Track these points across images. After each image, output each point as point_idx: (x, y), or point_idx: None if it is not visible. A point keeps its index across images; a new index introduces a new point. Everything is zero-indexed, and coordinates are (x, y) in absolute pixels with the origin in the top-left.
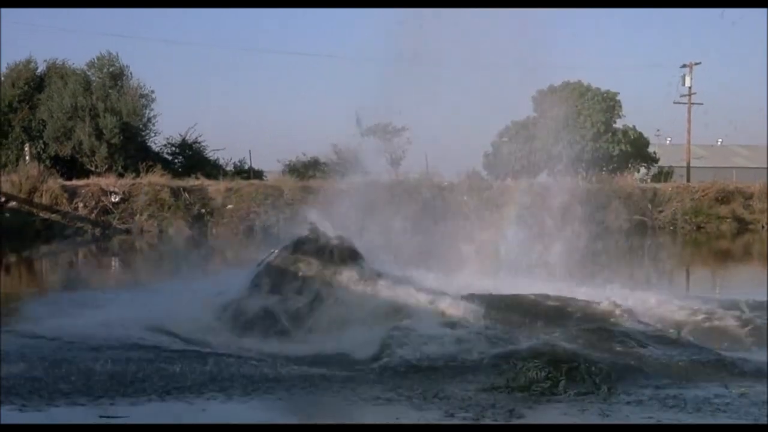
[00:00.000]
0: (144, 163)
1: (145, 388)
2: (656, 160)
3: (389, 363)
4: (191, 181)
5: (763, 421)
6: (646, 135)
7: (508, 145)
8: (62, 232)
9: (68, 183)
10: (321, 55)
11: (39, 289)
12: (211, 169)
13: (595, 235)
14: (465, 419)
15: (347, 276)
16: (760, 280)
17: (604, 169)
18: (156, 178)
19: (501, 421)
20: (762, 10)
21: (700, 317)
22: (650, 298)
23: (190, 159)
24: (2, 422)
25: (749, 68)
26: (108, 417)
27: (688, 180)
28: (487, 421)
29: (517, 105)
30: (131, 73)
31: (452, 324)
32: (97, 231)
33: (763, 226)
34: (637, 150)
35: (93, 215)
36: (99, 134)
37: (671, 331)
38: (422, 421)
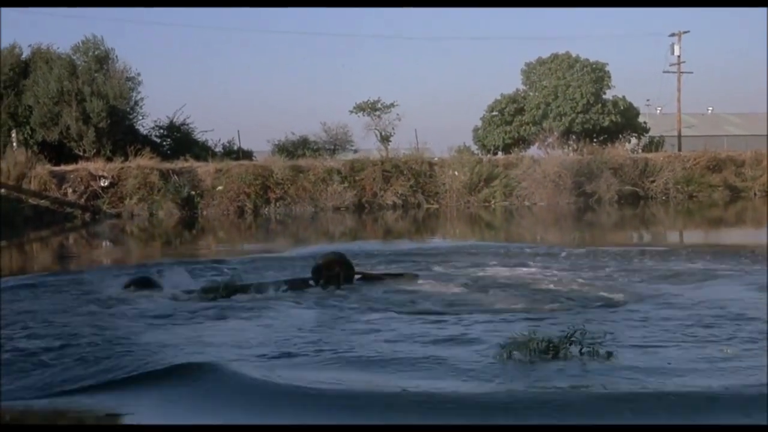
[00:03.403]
0: (132, 147)
1: None
2: (647, 130)
3: None
4: (180, 164)
5: (762, 421)
6: (636, 105)
7: (498, 118)
8: (52, 218)
9: (56, 168)
10: (305, 33)
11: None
12: (200, 151)
13: (585, 207)
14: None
15: None
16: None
17: (595, 140)
18: (145, 162)
19: (501, 422)
20: None
21: None
22: None
23: (179, 141)
24: (2, 422)
25: (738, 35)
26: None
27: (680, 149)
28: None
29: (506, 78)
30: (117, 56)
31: None
32: (87, 216)
33: (755, 194)
34: (628, 120)
35: (82, 200)
36: (86, 118)
37: None
38: None
